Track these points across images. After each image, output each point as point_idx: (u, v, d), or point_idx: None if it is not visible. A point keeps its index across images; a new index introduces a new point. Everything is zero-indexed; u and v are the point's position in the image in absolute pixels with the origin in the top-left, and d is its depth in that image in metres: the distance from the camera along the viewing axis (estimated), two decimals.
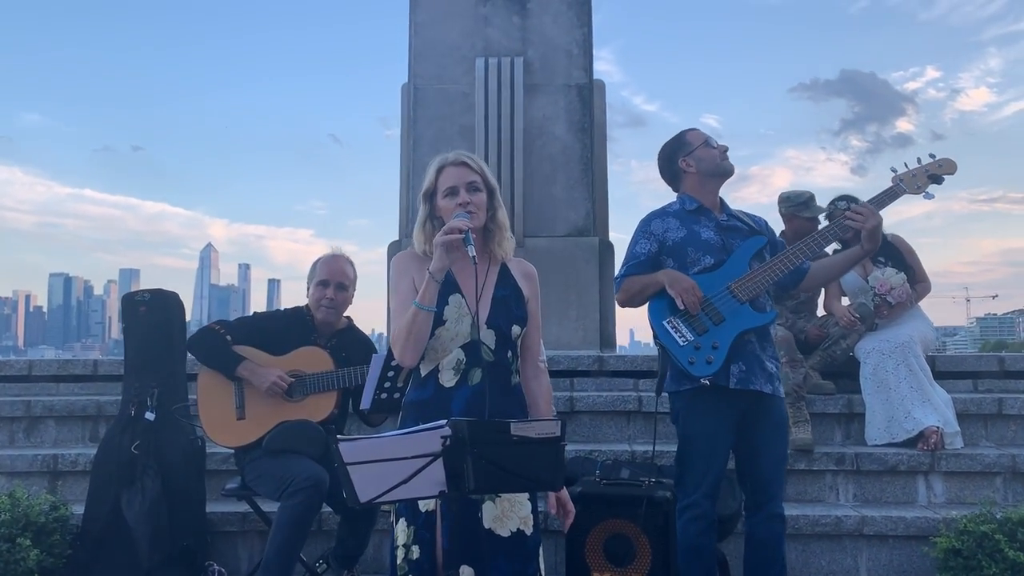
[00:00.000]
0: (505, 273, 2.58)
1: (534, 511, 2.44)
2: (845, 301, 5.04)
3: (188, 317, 4.48)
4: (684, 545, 3.27)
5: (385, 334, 3.69)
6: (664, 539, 3.51)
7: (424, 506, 2.37)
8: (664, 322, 3.23)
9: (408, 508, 2.40)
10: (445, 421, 2.04)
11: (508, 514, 2.41)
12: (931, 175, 3.35)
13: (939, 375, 4.77)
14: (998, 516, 3.67)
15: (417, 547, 2.38)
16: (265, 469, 3.52)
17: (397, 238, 6.48)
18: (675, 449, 3.34)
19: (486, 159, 6.08)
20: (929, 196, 3.38)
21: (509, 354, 2.50)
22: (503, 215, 2.57)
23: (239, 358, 3.64)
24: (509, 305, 2.52)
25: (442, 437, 2.05)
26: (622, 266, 3.42)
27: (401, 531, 2.42)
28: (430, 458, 2.09)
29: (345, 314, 3.85)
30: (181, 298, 4.29)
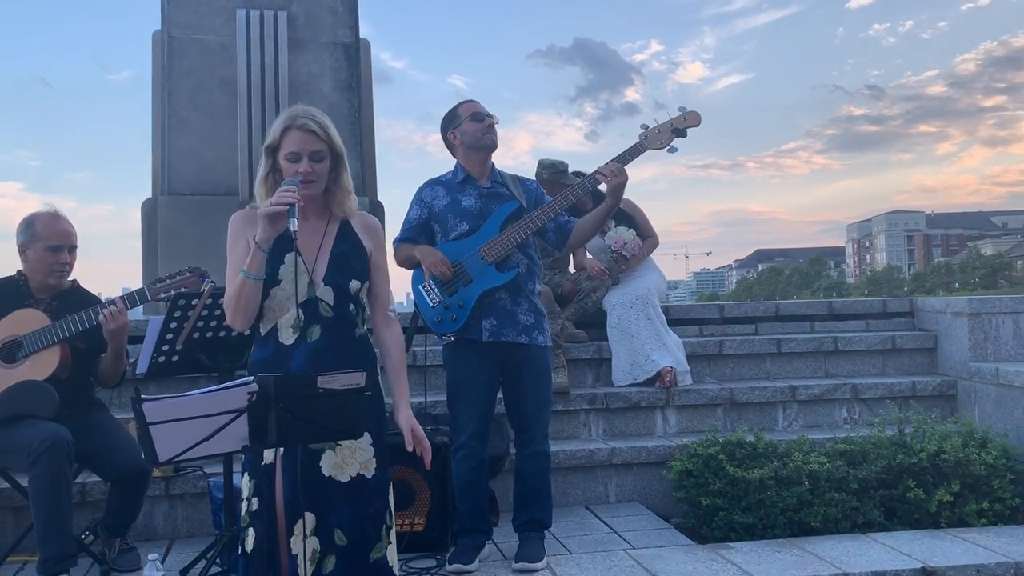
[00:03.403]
0: (346, 229, 2.59)
1: (377, 454, 2.51)
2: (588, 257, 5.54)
3: None
4: (458, 483, 3.58)
5: (110, 296, 3.51)
6: (442, 481, 3.76)
7: (265, 459, 2.40)
8: (420, 286, 3.55)
9: (250, 462, 2.43)
10: (252, 377, 2.11)
11: (348, 460, 2.47)
12: (675, 129, 3.48)
13: (672, 322, 5.38)
14: (720, 440, 4.29)
15: (256, 499, 2.42)
16: (1, 442, 3.28)
17: (151, 196, 6.15)
18: (435, 400, 3.62)
19: (249, 116, 5.91)
20: (673, 150, 3.52)
21: (351, 307, 2.54)
22: (346, 178, 2.57)
23: None
24: (348, 260, 2.54)
25: (248, 393, 2.12)
26: (399, 231, 3.64)
27: (245, 485, 2.45)
28: (234, 414, 2.16)
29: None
30: None
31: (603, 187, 3.51)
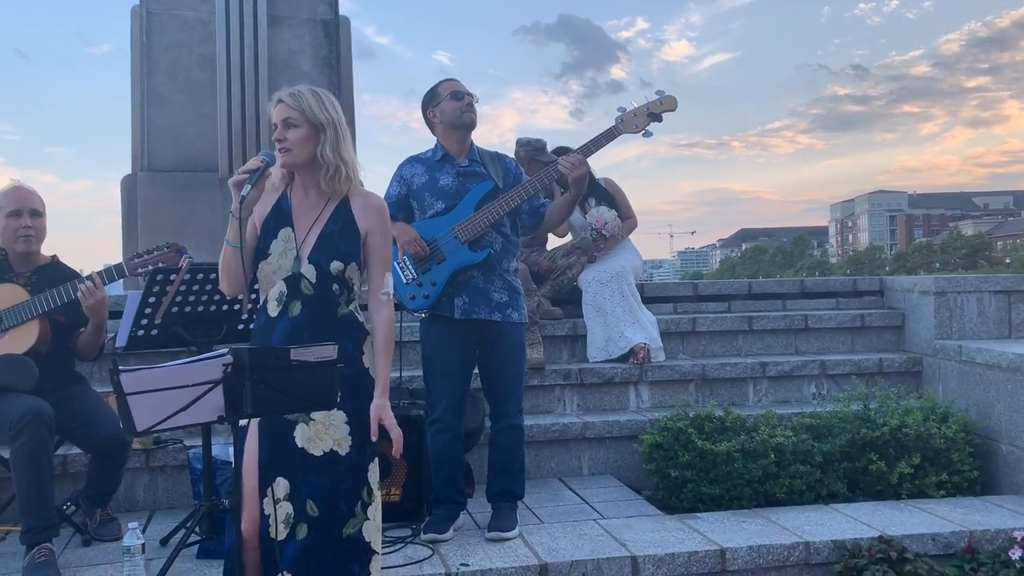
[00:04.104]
0: (342, 208, 2.62)
1: (353, 432, 2.56)
2: (570, 237, 5.62)
3: None
4: (433, 455, 3.67)
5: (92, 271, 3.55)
6: (418, 453, 3.84)
7: (242, 421, 2.46)
8: (396, 263, 3.59)
9: (234, 424, 2.50)
10: (227, 349, 2.18)
11: (321, 435, 2.53)
12: (651, 113, 3.50)
13: (646, 300, 5.48)
14: (691, 415, 4.40)
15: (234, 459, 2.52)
16: None
17: (131, 172, 6.16)
18: (411, 375, 3.69)
19: (229, 93, 5.92)
20: (648, 134, 3.54)
21: (334, 287, 2.58)
22: (330, 151, 2.56)
23: None
24: (336, 241, 2.58)
25: (223, 365, 2.20)
26: None
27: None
28: (210, 385, 2.23)
29: (51, 253, 3.69)
30: None
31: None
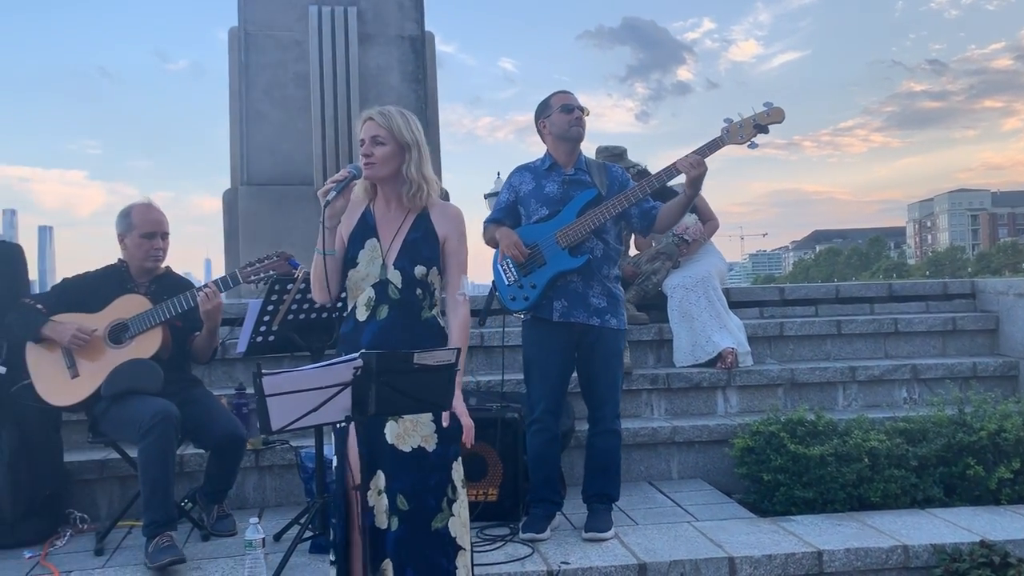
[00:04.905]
0: (423, 217, 2.80)
1: (439, 430, 2.71)
2: (653, 244, 5.68)
3: None
4: (531, 455, 3.78)
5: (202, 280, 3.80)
6: (514, 454, 3.97)
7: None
8: (499, 264, 3.76)
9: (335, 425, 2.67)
10: (359, 354, 2.33)
11: (410, 433, 2.69)
12: (758, 124, 3.48)
13: (732, 304, 5.50)
14: (781, 419, 4.41)
15: (335, 457, 2.71)
16: (114, 417, 3.57)
17: (230, 187, 6.46)
18: (510, 378, 3.82)
19: (322, 108, 6.17)
20: (753, 145, 3.52)
21: (418, 291, 2.75)
22: (415, 170, 2.75)
23: (43, 321, 3.64)
24: (418, 247, 2.76)
25: (354, 368, 2.35)
26: (490, 212, 3.89)
27: (335, 444, 2.73)
28: (340, 387, 2.39)
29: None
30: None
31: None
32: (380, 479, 2.66)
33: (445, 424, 2.74)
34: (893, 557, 3.46)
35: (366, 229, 2.77)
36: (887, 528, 3.69)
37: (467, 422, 2.77)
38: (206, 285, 3.65)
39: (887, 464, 4.12)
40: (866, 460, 4.10)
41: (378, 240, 2.76)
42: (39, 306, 3.72)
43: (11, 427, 3.81)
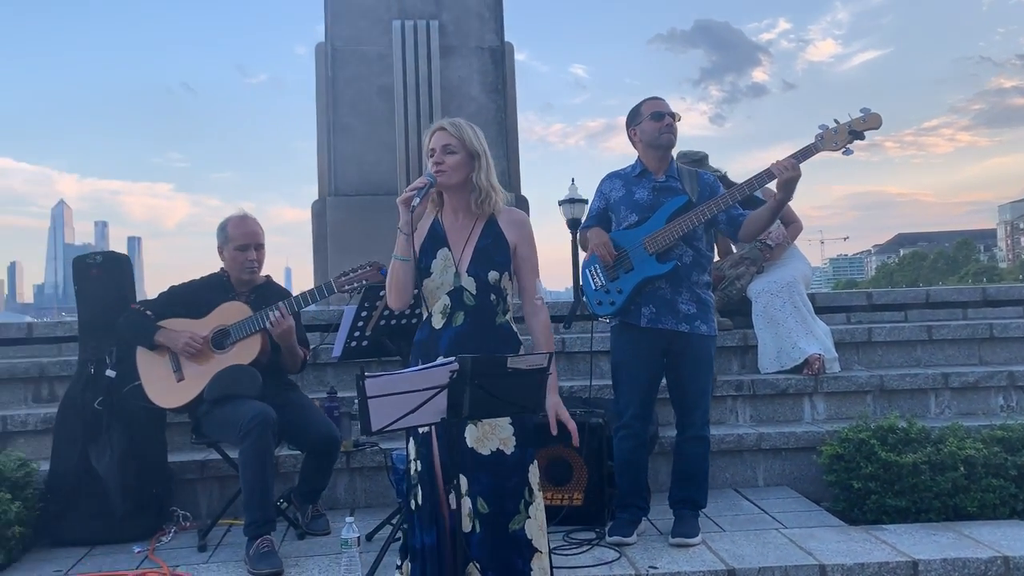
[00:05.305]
0: (491, 224, 2.85)
1: (516, 433, 2.75)
2: (735, 249, 5.63)
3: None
4: (619, 459, 3.80)
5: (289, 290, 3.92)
6: (599, 459, 3.99)
7: (422, 428, 2.71)
8: (587, 269, 3.80)
9: (414, 430, 2.75)
10: (455, 358, 2.40)
11: (489, 436, 2.74)
12: (853, 131, 3.41)
13: (819, 310, 5.41)
14: (872, 426, 4.32)
15: (419, 461, 2.76)
16: (216, 419, 3.74)
17: (318, 198, 6.67)
18: (597, 384, 3.87)
19: (406, 120, 6.33)
20: (848, 152, 3.43)
21: (492, 297, 2.81)
22: (484, 178, 2.82)
23: (155, 328, 3.84)
24: (490, 253, 2.81)
25: (450, 371, 2.42)
26: (584, 220, 3.96)
27: (411, 448, 2.79)
28: (437, 390, 2.46)
29: (264, 273, 4.09)
30: (130, 262, 4.47)
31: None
32: (463, 483, 2.71)
33: (554, 432, 2.79)
34: (992, 568, 3.37)
35: (437, 239, 2.84)
36: (985, 539, 3.59)
37: (572, 426, 2.82)
38: (275, 307, 3.78)
39: (984, 473, 4.01)
40: (962, 469, 4.00)
41: (449, 249, 2.83)
42: (148, 312, 3.91)
43: (121, 428, 4.03)
